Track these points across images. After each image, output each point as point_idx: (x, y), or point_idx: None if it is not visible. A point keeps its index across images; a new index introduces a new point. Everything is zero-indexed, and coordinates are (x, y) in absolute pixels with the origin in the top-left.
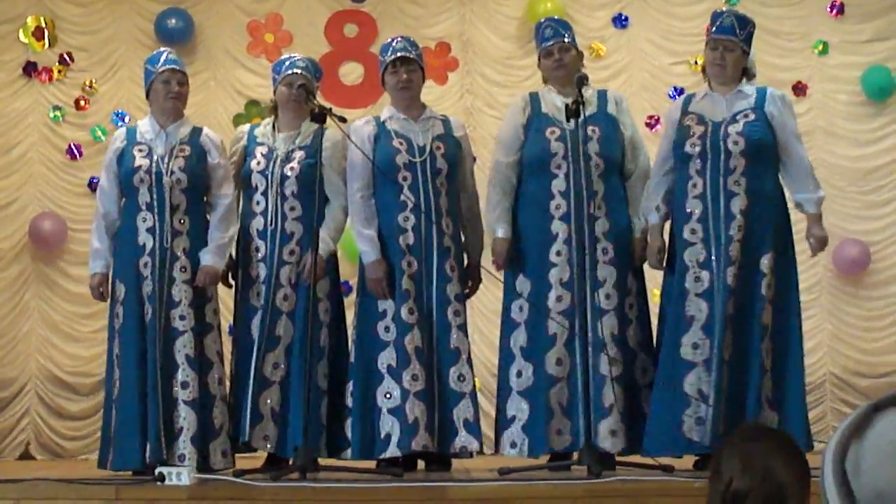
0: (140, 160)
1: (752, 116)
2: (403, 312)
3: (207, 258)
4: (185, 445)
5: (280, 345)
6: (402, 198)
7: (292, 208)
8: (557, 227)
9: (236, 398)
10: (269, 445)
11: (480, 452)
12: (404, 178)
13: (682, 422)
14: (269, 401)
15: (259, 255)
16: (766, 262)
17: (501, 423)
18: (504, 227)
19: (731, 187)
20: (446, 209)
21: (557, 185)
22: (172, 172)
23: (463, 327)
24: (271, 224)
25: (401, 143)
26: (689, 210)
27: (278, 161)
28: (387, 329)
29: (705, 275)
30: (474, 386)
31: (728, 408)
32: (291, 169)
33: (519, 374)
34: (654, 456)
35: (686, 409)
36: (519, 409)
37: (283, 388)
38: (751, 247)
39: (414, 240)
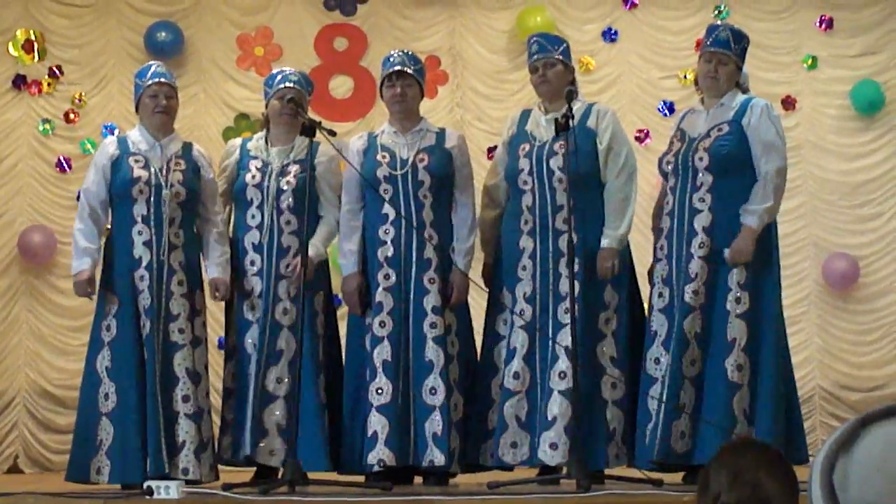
0: (138, 171)
1: (725, 130)
2: (375, 325)
3: (217, 271)
4: (188, 459)
5: (283, 359)
6: (384, 210)
7: (288, 222)
8: (525, 241)
9: (233, 413)
10: (276, 460)
11: (446, 467)
12: (385, 191)
13: (645, 435)
14: (274, 415)
15: (255, 268)
16: (733, 278)
17: (482, 434)
18: (489, 251)
19: (696, 204)
20: (430, 221)
21: (525, 200)
22: (172, 185)
23: (439, 339)
24: (267, 237)
25: (384, 157)
26: (661, 227)
27: (273, 175)
28: (368, 342)
29: (666, 291)
30: (447, 399)
31: (695, 423)
32: (287, 183)
33: (501, 387)
34: (638, 468)
35: (648, 423)
36: (497, 421)
37: (287, 403)
38: (716, 263)
39: (393, 252)
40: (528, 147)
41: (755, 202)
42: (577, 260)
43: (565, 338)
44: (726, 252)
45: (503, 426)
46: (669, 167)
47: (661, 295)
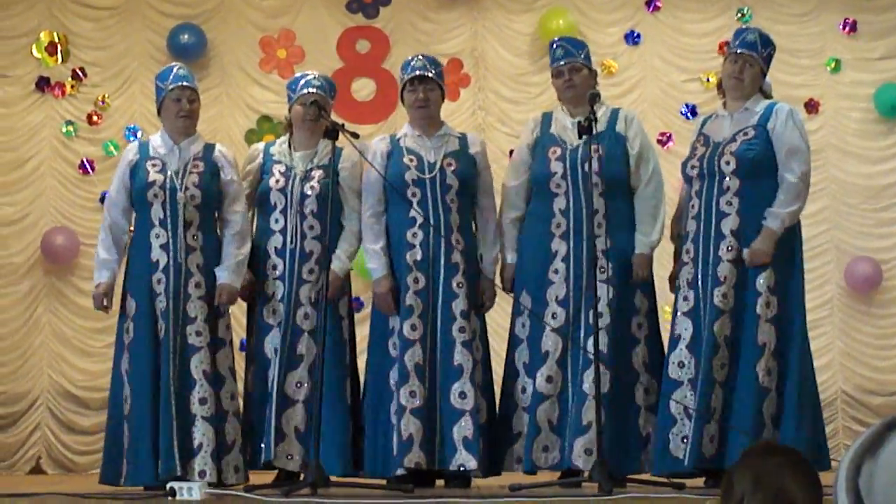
0: (154, 175)
1: (751, 134)
2: (406, 328)
3: (224, 276)
4: (204, 461)
5: (303, 363)
6: (412, 214)
7: (311, 227)
8: (557, 244)
9: (254, 416)
10: (294, 464)
11: (478, 470)
12: (413, 195)
13: (669, 440)
14: (293, 420)
15: (277, 272)
16: (762, 282)
17: (508, 439)
18: (512, 254)
19: (724, 207)
20: (457, 225)
21: (558, 203)
22: (187, 188)
23: (468, 344)
24: (291, 242)
25: (411, 160)
26: (687, 230)
27: (297, 179)
28: (394, 345)
29: (692, 294)
30: (476, 404)
31: (724, 428)
32: (311, 188)
33: (523, 391)
34: (656, 474)
35: (672, 428)
36: (523, 425)
37: (306, 407)
38: (744, 266)
39: (421, 256)
40: (559, 151)
41: (778, 205)
42: (610, 264)
43: (601, 341)
44: (745, 252)
45: (535, 430)
46: (694, 171)
47: (685, 298)
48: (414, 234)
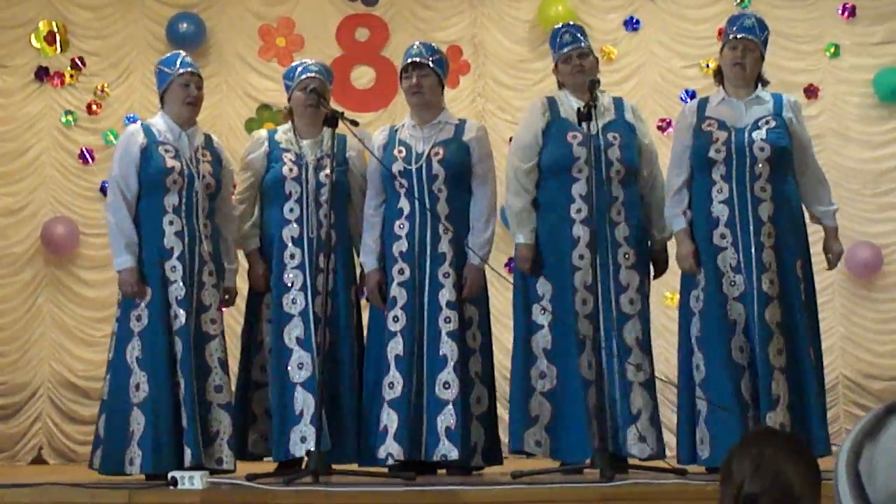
0: (171, 161)
1: (773, 123)
2: (389, 320)
3: (231, 279)
4: (222, 449)
5: (319, 352)
6: (399, 205)
7: (326, 216)
8: (578, 230)
9: (280, 407)
10: (303, 448)
11: (459, 461)
12: (401, 186)
13: (746, 426)
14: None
15: (295, 262)
16: (798, 268)
17: (523, 422)
18: (526, 233)
19: (758, 193)
20: (445, 214)
21: (578, 189)
22: (203, 177)
23: (453, 334)
24: (310, 232)
25: (399, 152)
26: (715, 215)
27: (310, 168)
28: (385, 336)
29: (739, 279)
30: (463, 393)
31: (793, 415)
32: (326, 176)
33: (542, 376)
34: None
35: (747, 412)
36: (542, 409)
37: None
38: (784, 253)
39: (407, 247)
40: (580, 136)
41: (824, 203)
42: (632, 251)
43: (633, 328)
44: (830, 257)
45: (587, 417)
46: (720, 155)
47: (733, 283)
48: (401, 226)
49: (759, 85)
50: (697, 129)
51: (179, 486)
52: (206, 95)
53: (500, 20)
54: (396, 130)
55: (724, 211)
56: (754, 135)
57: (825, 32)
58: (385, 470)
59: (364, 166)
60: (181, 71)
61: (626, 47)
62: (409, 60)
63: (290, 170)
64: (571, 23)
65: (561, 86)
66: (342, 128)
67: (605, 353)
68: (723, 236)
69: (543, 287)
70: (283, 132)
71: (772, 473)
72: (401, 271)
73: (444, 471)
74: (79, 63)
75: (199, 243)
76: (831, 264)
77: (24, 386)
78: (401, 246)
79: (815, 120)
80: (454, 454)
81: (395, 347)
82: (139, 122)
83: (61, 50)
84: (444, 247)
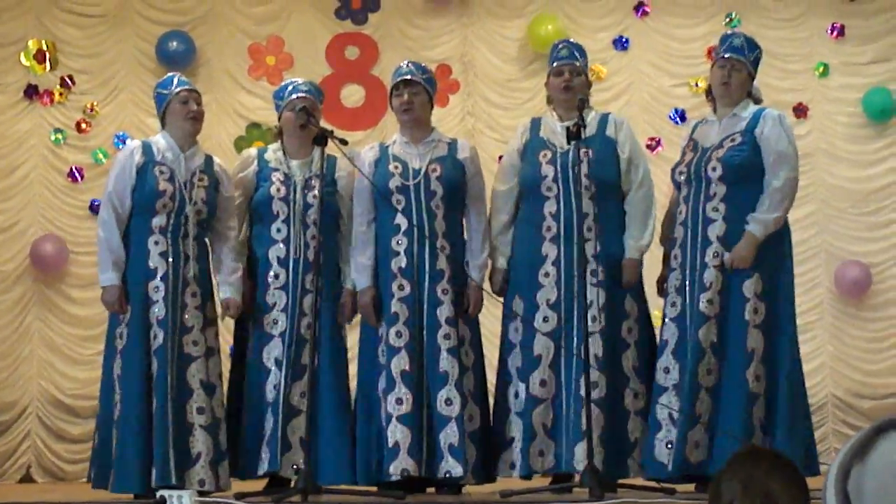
0: (164, 184)
1: (738, 140)
2: (391, 336)
3: (230, 291)
4: (203, 471)
5: (307, 373)
6: (396, 221)
7: (313, 237)
8: (547, 248)
9: (250, 426)
10: (297, 473)
11: (467, 477)
12: (398, 202)
13: (654, 445)
14: (298, 430)
15: (279, 282)
16: (749, 287)
17: (500, 444)
18: (502, 259)
19: (710, 213)
20: (442, 231)
21: (549, 207)
22: (195, 203)
23: (453, 351)
24: (295, 252)
25: (396, 167)
26: (675, 236)
27: (298, 188)
28: (382, 353)
29: (679, 300)
30: (463, 410)
31: (711, 434)
32: (314, 197)
33: (516, 395)
34: (646, 479)
35: (657, 433)
36: (517, 430)
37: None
38: (731, 272)
39: (406, 263)
40: (549, 154)
41: (761, 211)
42: (600, 268)
43: (594, 345)
44: (726, 255)
45: (531, 434)
46: (682, 177)
47: (673, 304)
48: (398, 242)
49: (752, 103)
50: (682, 150)
51: None
52: None
53: (490, 39)
54: (388, 147)
55: (680, 232)
56: (714, 154)
57: (814, 52)
58: (374, 489)
59: (353, 187)
60: (178, 90)
61: (615, 66)
62: (400, 78)
63: (278, 189)
64: (572, 40)
65: (549, 101)
66: (332, 148)
67: (565, 370)
68: (675, 257)
69: (517, 305)
70: (273, 151)
71: (761, 494)
72: (401, 287)
73: (433, 489)
74: (68, 81)
75: (183, 264)
76: (725, 262)
77: (13, 404)
78: (399, 262)
79: (805, 139)
80: (458, 470)
81: (401, 363)
82: (139, 140)
83: (51, 68)
84: (443, 264)
